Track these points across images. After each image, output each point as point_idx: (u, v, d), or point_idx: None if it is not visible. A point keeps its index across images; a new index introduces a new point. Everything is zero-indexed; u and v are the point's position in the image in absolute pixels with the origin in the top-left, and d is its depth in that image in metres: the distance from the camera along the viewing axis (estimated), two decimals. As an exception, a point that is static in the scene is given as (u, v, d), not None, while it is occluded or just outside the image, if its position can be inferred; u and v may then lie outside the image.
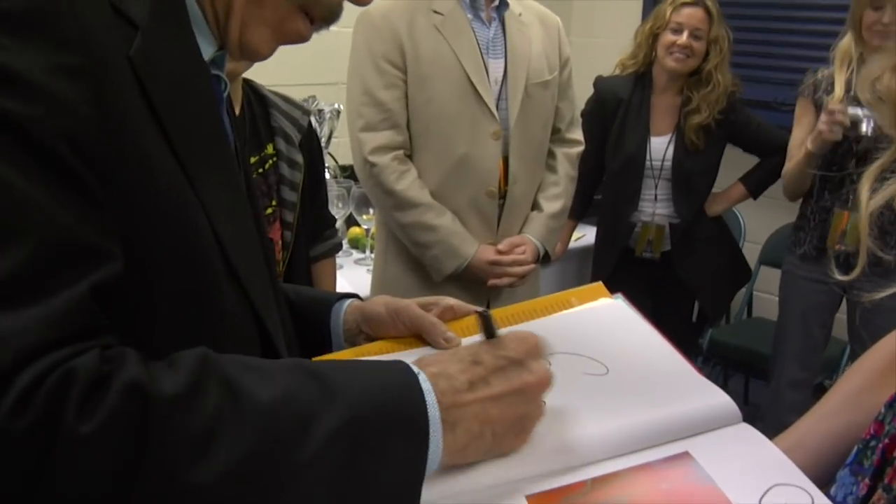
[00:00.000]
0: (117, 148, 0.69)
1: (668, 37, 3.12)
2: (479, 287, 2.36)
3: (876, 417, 0.86)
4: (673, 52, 3.10)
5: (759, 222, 3.88)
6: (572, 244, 3.55)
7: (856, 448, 0.87)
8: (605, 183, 3.43)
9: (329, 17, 0.89)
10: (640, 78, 3.27)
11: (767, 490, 0.73)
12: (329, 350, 1.09)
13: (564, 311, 1.09)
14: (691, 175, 3.20)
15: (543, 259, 2.48)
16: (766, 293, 3.98)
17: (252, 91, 1.96)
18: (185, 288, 0.76)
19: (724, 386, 4.11)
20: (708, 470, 0.77)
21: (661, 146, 3.21)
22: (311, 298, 1.16)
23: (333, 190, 3.08)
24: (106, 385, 0.62)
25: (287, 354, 0.94)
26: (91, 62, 0.68)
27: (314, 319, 1.10)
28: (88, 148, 0.67)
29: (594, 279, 3.30)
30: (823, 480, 0.89)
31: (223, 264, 0.80)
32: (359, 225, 3.24)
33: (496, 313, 1.09)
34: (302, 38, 0.90)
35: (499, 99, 2.32)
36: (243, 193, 0.91)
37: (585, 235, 3.66)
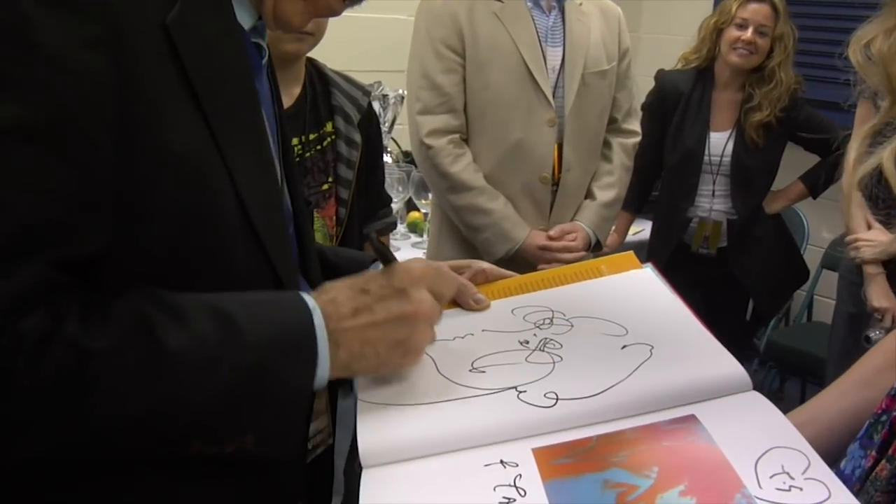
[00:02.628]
0: (135, 114, 0.75)
1: (732, 32, 3.09)
2: (530, 271, 2.37)
3: (888, 393, 0.87)
4: (737, 47, 3.08)
5: (823, 225, 3.82)
6: (629, 238, 3.54)
7: (867, 423, 0.88)
8: (662, 177, 3.42)
9: None
10: (702, 73, 3.25)
11: (765, 452, 0.75)
12: None
13: (594, 279, 1.12)
14: (750, 171, 3.17)
15: (595, 247, 2.49)
16: (827, 297, 3.92)
17: (315, 70, 2.02)
18: (200, 246, 0.84)
19: (781, 388, 4.08)
20: (711, 432, 0.79)
21: (720, 141, 3.19)
22: (349, 258, 1.22)
23: (394, 174, 3.14)
24: (48, 342, 0.71)
25: None
26: (112, 31, 0.73)
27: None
28: (97, 115, 0.73)
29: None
30: (835, 455, 0.90)
31: (244, 225, 0.87)
32: (418, 209, 3.29)
33: (529, 278, 1.13)
34: (333, 12, 0.95)
35: (555, 87, 2.34)
36: (272, 157, 0.95)
37: (643, 230, 3.65)
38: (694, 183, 3.23)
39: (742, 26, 3.08)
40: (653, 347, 0.93)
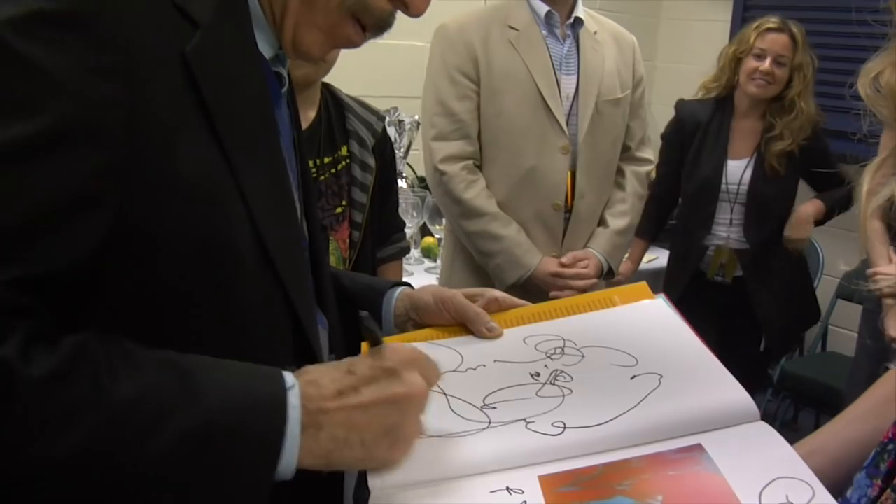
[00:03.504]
0: (147, 142, 0.74)
1: (750, 63, 3.10)
2: (542, 298, 2.37)
3: (895, 421, 0.87)
4: (755, 77, 3.08)
5: (839, 256, 3.81)
6: (644, 266, 3.55)
7: (874, 451, 0.88)
8: (680, 205, 3.43)
9: (380, 25, 0.93)
10: (721, 102, 3.25)
11: (770, 482, 0.75)
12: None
13: (606, 309, 1.12)
14: (767, 200, 3.16)
15: (607, 274, 2.50)
16: (842, 328, 3.90)
17: (330, 95, 2.04)
18: (211, 279, 0.80)
19: (795, 419, 4.06)
20: (717, 461, 0.79)
21: (737, 170, 3.19)
22: (365, 285, 1.22)
23: (409, 199, 3.16)
24: None
25: (323, 344, 0.99)
26: (126, 61, 0.73)
27: (367, 305, 1.15)
28: (104, 143, 0.72)
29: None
30: (843, 485, 0.90)
31: (260, 255, 0.84)
32: (432, 235, 3.31)
33: (541, 307, 1.14)
34: (353, 44, 0.94)
35: (569, 114, 2.35)
36: (290, 187, 0.94)
37: (658, 258, 3.65)
38: (711, 211, 3.23)
39: (760, 56, 3.08)
40: (662, 377, 0.93)
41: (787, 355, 3.78)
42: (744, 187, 3.17)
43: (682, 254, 3.36)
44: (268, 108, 0.91)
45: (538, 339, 1.06)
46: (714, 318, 3.18)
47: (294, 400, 0.76)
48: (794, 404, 3.98)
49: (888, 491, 0.83)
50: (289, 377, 0.78)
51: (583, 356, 1.01)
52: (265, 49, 0.91)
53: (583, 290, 2.38)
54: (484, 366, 1.02)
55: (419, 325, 1.14)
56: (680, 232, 3.41)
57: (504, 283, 2.36)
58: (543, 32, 2.35)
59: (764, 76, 3.07)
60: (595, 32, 2.42)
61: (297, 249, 0.95)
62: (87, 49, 0.72)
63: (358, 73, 2.61)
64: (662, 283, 3.47)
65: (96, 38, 0.72)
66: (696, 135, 3.27)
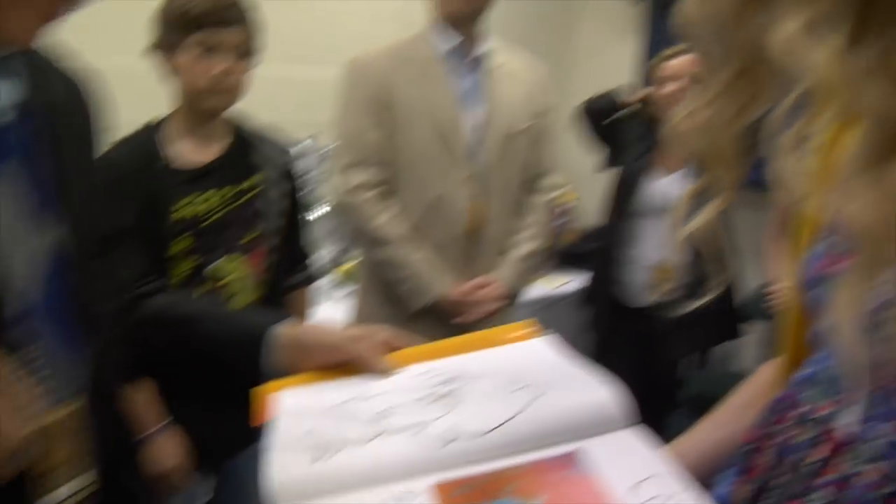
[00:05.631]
0: None
1: (668, 87, 3.13)
2: (449, 324, 2.46)
3: (754, 423, 0.95)
4: (677, 99, 3.08)
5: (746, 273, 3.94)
6: (558, 289, 3.63)
7: (736, 452, 0.96)
8: (602, 226, 3.44)
9: None
10: (649, 123, 3.26)
11: (642, 480, 0.82)
12: (260, 379, 1.10)
13: (497, 346, 1.17)
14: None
15: (513, 300, 2.58)
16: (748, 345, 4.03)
17: (238, 126, 2.10)
18: None
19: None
20: (592, 465, 0.86)
21: (664, 190, 3.18)
22: (240, 331, 1.18)
23: (326, 226, 3.21)
24: None
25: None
26: None
27: (243, 351, 1.13)
28: None
29: (584, 324, 3.35)
30: (710, 483, 0.98)
31: None
32: (347, 261, 3.36)
33: (432, 346, 1.18)
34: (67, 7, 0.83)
35: (475, 144, 2.44)
36: (29, 224, 0.89)
37: (571, 281, 3.74)
38: (634, 231, 3.23)
39: (675, 79, 3.12)
40: (545, 393, 0.99)
41: (694, 372, 3.88)
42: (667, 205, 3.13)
43: (603, 276, 3.35)
44: None
45: (428, 375, 1.10)
46: (634, 341, 3.21)
47: None
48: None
49: (747, 486, 0.90)
50: None
51: (472, 388, 1.07)
52: None
53: (489, 315, 2.46)
54: (373, 396, 1.05)
55: (304, 366, 1.12)
56: (601, 253, 3.39)
57: (412, 308, 2.43)
58: (450, 66, 2.43)
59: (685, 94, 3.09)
60: (503, 63, 2.51)
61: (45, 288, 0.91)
62: None
63: (275, 101, 2.66)
64: (579, 305, 3.51)
65: None
66: (623, 156, 3.29)
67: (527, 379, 1.04)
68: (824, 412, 0.81)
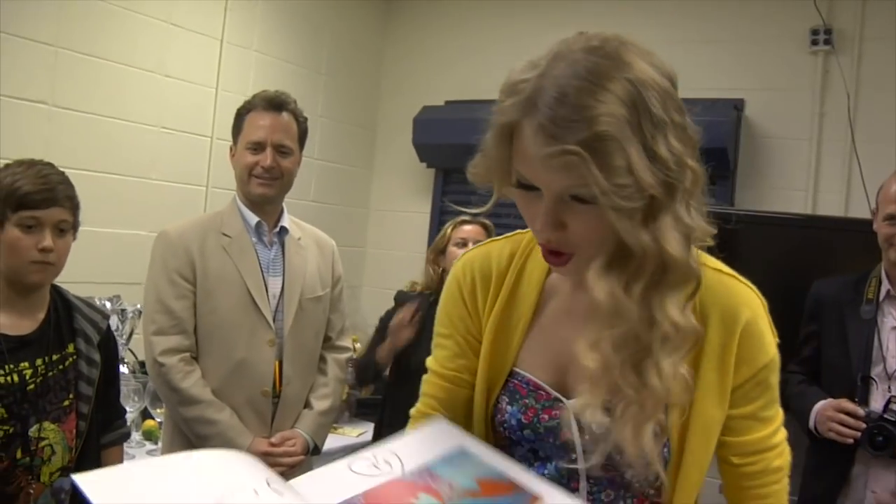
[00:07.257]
0: None
1: (455, 251, 3.34)
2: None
3: None
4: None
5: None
6: (353, 439, 3.84)
7: None
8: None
9: None
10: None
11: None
12: None
13: None
14: None
15: (314, 451, 2.80)
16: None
17: (59, 295, 2.24)
18: None
19: None
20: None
21: None
22: None
23: (131, 384, 3.32)
24: None
25: None
26: None
27: None
28: None
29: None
30: None
31: None
32: (153, 418, 3.46)
33: None
34: None
35: (276, 311, 2.70)
36: None
37: (367, 432, 3.96)
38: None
39: (462, 244, 3.35)
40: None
41: None
42: None
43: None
44: None
45: None
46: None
47: None
48: None
49: None
50: None
51: None
52: None
53: (291, 467, 2.66)
54: None
55: None
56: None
57: (219, 463, 2.58)
58: (253, 239, 2.71)
59: None
60: (299, 238, 2.81)
61: None
62: None
63: (82, 261, 2.79)
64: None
65: None
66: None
67: None
68: None
